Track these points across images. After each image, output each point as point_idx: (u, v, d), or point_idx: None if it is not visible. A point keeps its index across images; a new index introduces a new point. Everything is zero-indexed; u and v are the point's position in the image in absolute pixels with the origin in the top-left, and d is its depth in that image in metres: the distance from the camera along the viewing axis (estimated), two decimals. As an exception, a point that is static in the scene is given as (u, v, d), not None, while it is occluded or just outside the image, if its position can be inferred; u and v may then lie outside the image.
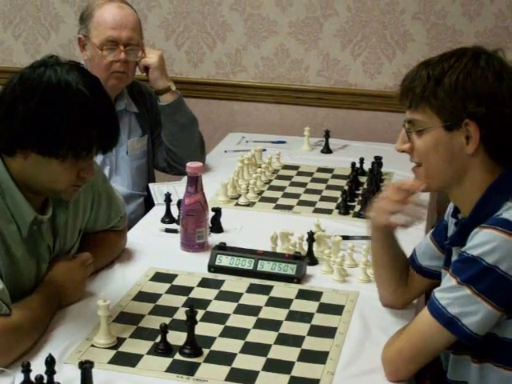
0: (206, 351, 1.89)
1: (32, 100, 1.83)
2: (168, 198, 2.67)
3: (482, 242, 1.70)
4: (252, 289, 2.21)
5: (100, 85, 1.93)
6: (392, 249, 2.06)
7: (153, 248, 2.47)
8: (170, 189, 2.85)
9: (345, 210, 2.77)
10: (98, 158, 2.96)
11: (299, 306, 2.13)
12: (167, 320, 2.00)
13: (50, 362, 1.66)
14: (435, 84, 1.77)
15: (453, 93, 1.76)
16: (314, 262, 2.37)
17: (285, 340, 1.96)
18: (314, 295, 2.18)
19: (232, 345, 1.93)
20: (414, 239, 2.52)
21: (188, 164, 2.42)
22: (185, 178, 2.53)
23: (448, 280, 1.75)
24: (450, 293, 1.73)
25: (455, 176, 1.82)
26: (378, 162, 3.08)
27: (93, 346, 1.89)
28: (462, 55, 1.79)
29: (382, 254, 2.07)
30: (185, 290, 2.19)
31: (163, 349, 1.88)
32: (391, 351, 1.82)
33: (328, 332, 2.00)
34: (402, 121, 1.83)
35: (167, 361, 1.85)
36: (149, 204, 3.00)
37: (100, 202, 2.26)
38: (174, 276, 2.27)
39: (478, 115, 1.74)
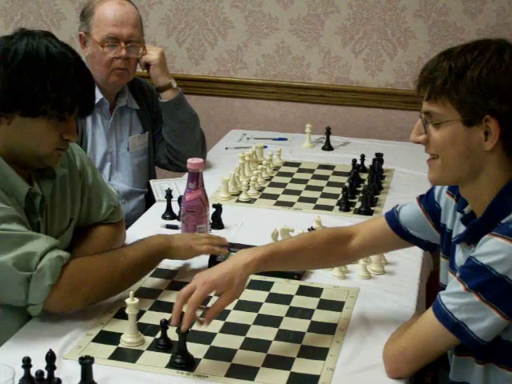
0: (206, 347, 1.89)
1: (14, 61, 1.91)
2: (169, 195, 2.67)
3: (493, 251, 1.68)
4: (252, 285, 2.21)
5: (69, 46, 2.02)
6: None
7: (153, 244, 2.47)
8: (170, 185, 2.85)
9: (346, 206, 2.77)
10: (99, 155, 2.97)
11: (299, 302, 2.13)
12: (167, 316, 1.99)
13: (51, 358, 1.66)
14: (457, 77, 1.71)
15: (475, 88, 1.69)
16: (314, 258, 2.36)
17: (285, 336, 1.96)
18: (314, 291, 2.18)
19: (232, 341, 1.93)
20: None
21: (189, 160, 2.42)
22: (186, 175, 2.53)
23: (455, 284, 1.73)
24: (457, 298, 1.71)
25: (471, 171, 1.77)
26: (378, 158, 3.08)
27: (120, 346, 1.89)
28: (485, 48, 1.72)
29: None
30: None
31: (163, 344, 1.88)
32: (393, 350, 1.81)
33: (328, 328, 2.00)
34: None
35: (167, 356, 1.85)
36: (150, 200, 3.01)
37: (90, 191, 2.27)
38: (174, 272, 2.27)
39: (499, 112, 1.70)
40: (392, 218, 2.06)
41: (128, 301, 1.89)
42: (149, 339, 1.91)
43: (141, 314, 2.02)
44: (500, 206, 1.75)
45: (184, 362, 1.82)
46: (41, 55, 1.92)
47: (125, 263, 2.03)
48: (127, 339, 1.89)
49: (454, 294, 1.72)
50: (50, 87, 1.90)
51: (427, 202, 2.01)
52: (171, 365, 1.82)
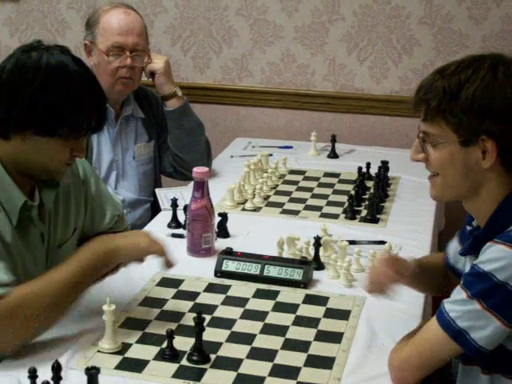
0: (212, 357, 1.88)
1: (34, 83, 1.88)
2: (174, 203, 2.67)
3: (494, 257, 1.68)
4: (258, 294, 2.21)
5: (86, 65, 2.01)
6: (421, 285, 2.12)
7: (159, 253, 2.46)
8: (176, 194, 2.84)
9: (351, 214, 2.77)
10: (105, 164, 2.97)
11: (306, 311, 2.12)
12: (174, 325, 2.00)
13: (57, 368, 1.65)
14: (451, 99, 1.72)
15: (469, 109, 1.70)
16: (320, 266, 2.36)
17: (291, 345, 1.95)
18: (320, 300, 2.18)
19: (239, 350, 1.92)
20: (421, 244, 2.53)
21: (194, 169, 2.43)
22: (191, 183, 2.53)
23: (458, 292, 1.73)
24: (460, 306, 1.71)
25: (471, 188, 1.79)
26: (384, 166, 3.07)
27: (99, 351, 1.89)
28: (479, 66, 1.72)
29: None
30: (191, 295, 2.19)
31: (170, 354, 1.88)
32: (399, 358, 1.81)
33: (334, 337, 1.99)
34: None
35: (174, 366, 1.84)
36: (155, 209, 3.01)
37: (93, 200, 2.26)
38: (180, 281, 2.27)
39: (495, 132, 1.70)
40: (445, 257, 2.10)
41: (105, 307, 1.89)
42: (155, 349, 1.91)
43: (147, 323, 2.03)
44: (501, 217, 1.76)
45: (200, 359, 1.85)
46: (58, 77, 1.89)
47: (63, 282, 1.90)
48: (104, 345, 1.90)
49: (457, 302, 1.72)
50: (67, 113, 1.88)
51: (463, 233, 2.02)
52: (188, 360, 1.86)
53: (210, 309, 2.11)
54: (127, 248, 2.03)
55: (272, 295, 2.20)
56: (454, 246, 2.06)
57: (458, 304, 1.71)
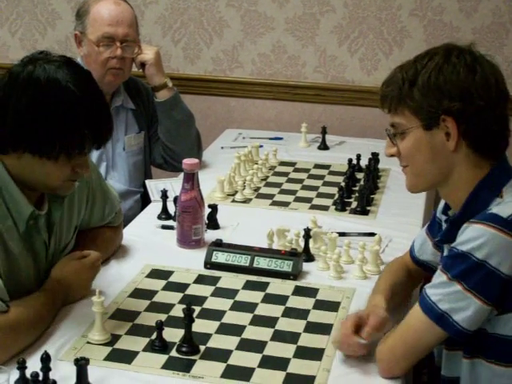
0: (201, 348, 1.89)
1: (21, 100, 1.82)
2: (164, 195, 2.66)
3: (472, 237, 1.71)
4: (248, 285, 2.21)
5: (91, 80, 1.91)
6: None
7: (149, 244, 2.47)
8: (166, 185, 2.84)
9: (341, 206, 2.77)
10: (95, 155, 2.96)
11: (295, 302, 2.13)
12: (163, 317, 2.00)
13: (46, 359, 1.66)
14: (410, 85, 1.79)
15: (427, 92, 1.77)
16: (310, 258, 2.37)
17: (281, 337, 1.96)
18: (310, 292, 2.18)
19: (228, 341, 1.93)
20: (410, 236, 2.53)
21: (184, 161, 2.42)
22: (181, 175, 2.53)
23: (439, 276, 1.76)
24: (441, 288, 1.74)
25: (442, 174, 1.83)
26: (374, 158, 3.08)
27: (88, 342, 1.89)
28: (434, 54, 1.81)
29: None
30: (181, 287, 2.19)
31: (159, 345, 1.88)
32: (384, 349, 1.82)
33: (324, 329, 2.00)
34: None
35: (163, 357, 1.85)
36: (145, 200, 3.00)
37: (95, 198, 2.26)
38: (170, 273, 2.27)
39: (453, 110, 1.76)
40: (411, 250, 2.15)
41: (94, 299, 1.89)
42: (144, 340, 1.91)
43: (136, 315, 2.03)
44: (476, 201, 1.79)
45: (190, 351, 1.85)
46: (47, 94, 1.81)
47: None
48: (94, 336, 1.90)
49: (438, 285, 1.75)
50: (54, 130, 1.81)
51: (431, 224, 2.06)
52: (177, 352, 1.86)
53: (200, 300, 2.11)
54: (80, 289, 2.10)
55: (262, 287, 2.20)
56: (420, 240, 2.09)
57: (439, 287, 1.74)
